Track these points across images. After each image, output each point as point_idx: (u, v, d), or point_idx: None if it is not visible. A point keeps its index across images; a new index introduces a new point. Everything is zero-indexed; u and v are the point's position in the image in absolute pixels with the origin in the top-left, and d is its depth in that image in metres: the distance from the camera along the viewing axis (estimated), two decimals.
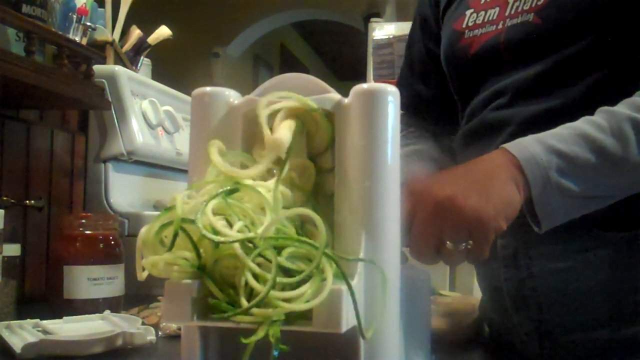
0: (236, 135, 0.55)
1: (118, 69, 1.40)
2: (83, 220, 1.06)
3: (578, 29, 0.75)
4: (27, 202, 1.20)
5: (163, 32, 1.62)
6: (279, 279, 0.45)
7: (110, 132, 1.38)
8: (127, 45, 1.54)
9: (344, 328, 0.46)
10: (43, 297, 1.18)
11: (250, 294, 0.45)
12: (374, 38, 2.36)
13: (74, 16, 1.23)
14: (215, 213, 0.48)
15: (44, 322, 0.88)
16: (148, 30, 1.60)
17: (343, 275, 0.46)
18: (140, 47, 1.57)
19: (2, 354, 0.77)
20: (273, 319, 0.44)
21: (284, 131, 0.51)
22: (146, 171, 1.51)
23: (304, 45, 7.51)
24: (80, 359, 0.76)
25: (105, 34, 1.44)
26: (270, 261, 0.46)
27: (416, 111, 1.00)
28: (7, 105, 1.22)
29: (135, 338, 0.80)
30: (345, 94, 0.54)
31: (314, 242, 0.47)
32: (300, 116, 0.54)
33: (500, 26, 0.81)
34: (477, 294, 1.06)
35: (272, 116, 0.53)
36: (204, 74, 5.10)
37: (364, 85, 0.53)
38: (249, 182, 0.50)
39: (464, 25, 0.86)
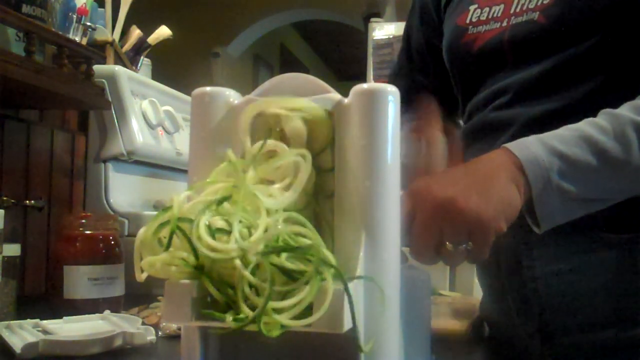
0: (236, 135, 0.55)
1: (118, 69, 1.40)
2: (83, 220, 1.06)
3: (583, 30, 0.74)
4: (27, 202, 1.20)
5: (163, 32, 1.62)
6: (277, 288, 0.45)
7: (110, 132, 1.38)
8: (127, 45, 1.54)
9: (344, 328, 0.46)
10: (43, 297, 1.18)
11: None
12: (374, 38, 2.37)
13: (74, 16, 1.23)
14: (214, 213, 0.48)
15: (44, 322, 0.88)
16: (148, 30, 1.60)
17: (345, 286, 0.46)
18: (140, 47, 1.57)
19: (2, 354, 0.77)
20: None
21: (298, 122, 0.51)
22: (146, 171, 1.51)
23: (304, 45, 7.51)
24: (80, 359, 0.76)
25: (105, 34, 1.44)
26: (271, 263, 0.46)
27: (413, 102, 1.00)
28: (7, 105, 1.22)
29: (135, 338, 0.80)
30: (345, 94, 0.54)
31: (309, 248, 0.47)
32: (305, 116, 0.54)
33: (504, 24, 0.80)
34: (477, 294, 1.06)
35: (273, 117, 0.53)
36: (204, 74, 5.10)
37: (364, 85, 0.53)
38: (250, 185, 0.50)
39: (467, 21, 0.85)
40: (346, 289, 0.45)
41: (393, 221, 0.52)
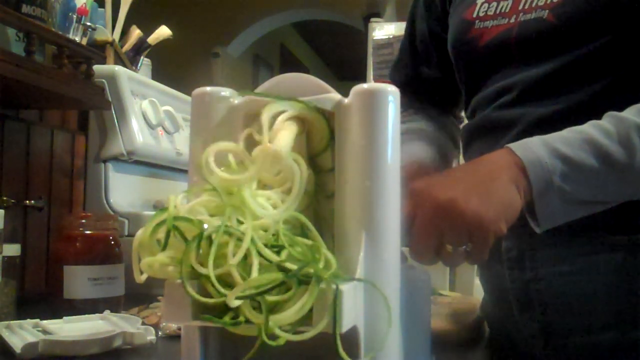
0: (236, 136, 0.55)
1: (118, 69, 1.40)
2: (83, 220, 1.06)
3: (592, 30, 0.73)
4: (27, 202, 1.20)
5: (163, 32, 1.62)
6: (274, 298, 0.45)
7: (110, 132, 1.38)
8: (127, 45, 1.54)
9: (344, 328, 0.46)
10: (43, 297, 1.18)
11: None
12: (374, 38, 2.37)
13: (74, 16, 1.23)
14: (212, 214, 0.48)
15: (44, 322, 0.88)
16: (148, 30, 1.60)
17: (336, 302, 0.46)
18: (140, 47, 1.57)
19: (2, 354, 0.77)
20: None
21: (284, 140, 0.51)
22: (146, 171, 1.50)
23: (304, 45, 7.51)
24: (80, 359, 0.76)
25: (105, 34, 1.44)
26: (270, 262, 0.46)
27: (417, 92, 1.00)
28: (7, 105, 1.22)
29: (135, 338, 0.80)
30: (345, 94, 0.54)
31: (309, 248, 0.47)
32: (300, 116, 0.54)
33: (512, 20, 0.79)
34: (477, 294, 1.06)
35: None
36: (204, 74, 5.10)
37: (364, 85, 0.53)
38: (247, 191, 0.50)
39: (474, 15, 0.84)
40: (337, 296, 0.45)
41: (393, 221, 0.52)
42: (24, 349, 0.75)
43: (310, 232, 0.50)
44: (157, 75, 1.67)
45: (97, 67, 1.27)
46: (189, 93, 0.69)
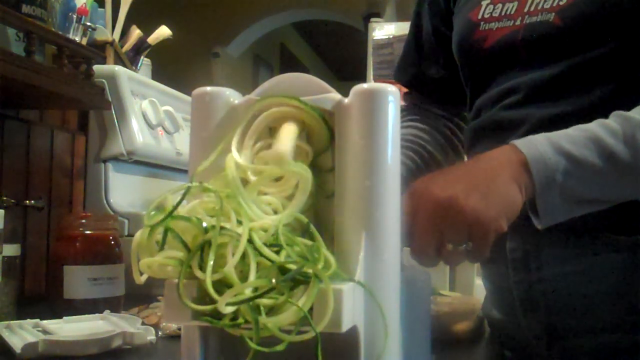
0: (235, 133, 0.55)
1: (118, 69, 1.39)
2: (83, 220, 1.06)
3: (599, 34, 0.73)
4: (27, 202, 1.20)
5: (163, 32, 1.62)
6: (268, 301, 0.45)
7: (110, 132, 1.38)
8: (127, 45, 1.54)
9: (344, 328, 0.46)
10: (43, 297, 1.18)
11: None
12: (374, 38, 2.36)
13: (74, 16, 1.23)
14: (211, 215, 0.48)
15: (44, 322, 0.88)
16: (148, 30, 1.60)
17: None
18: (140, 47, 1.57)
19: (2, 354, 0.77)
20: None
21: (286, 142, 0.51)
22: (146, 171, 1.50)
23: (304, 45, 7.51)
24: (80, 359, 0.76)
25: (105, 34, 1.44)
26: (271, 261, 0.46)
27: (422, 91, 0.99)
28: (7, 105, 1.22)
29: (135, 338, 0.80)
30: (345, 94, 0.54)
31: (309, 248, 0.47)
32: (299, 116, 0.54)
33: (518, 22, 0.79)
34: (477, 294, 1.06)
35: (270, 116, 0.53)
36: (204, 74, 5.10)
37: (364, 85, 0.53)
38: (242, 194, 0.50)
39: (479, 17, 0.84)
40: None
41: (393, 221, 0.52)
42: (24, 349, 0.75)
43: (311, 232, 0.50)
44: (157, 75, 1.67)
45: (97, 67, 1.27)
46: (189, 93, 0.69)
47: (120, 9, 1.51)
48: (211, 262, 0.46)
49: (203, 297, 0.47)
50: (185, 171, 0.58)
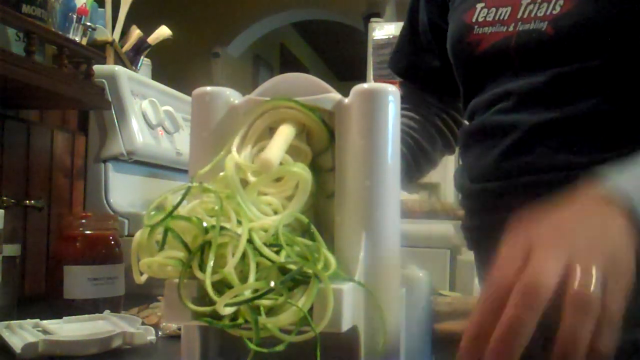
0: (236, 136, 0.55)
1: (118, 69, 1.39)
2: (83, 220, 1.06)
3: (591, 46, 0.73)
4: (27, 202, 1.19)
5: (163, 32, 1.62)
6: (267, 302, 0.45)
7: (110, 132, 1.38)
8: (127, 45, 1.54)
9: (344, 328, 0.46)
10: (43, 297, 1.18)
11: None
12: (374, 38, 2.37)
13: (74, 16, 1.23)
14: (211, 215, 0.48)
15: (44, 322, 0.88)
16: (148, 30, 1.60)
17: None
18: (140, 47, 1.57)
19: (2, 354, 0.77)
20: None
21: (276, 149, 0.51)
22: (146, 171, 1.50)
23: (304, 45, 7.51)
24: (80, 359, 0.76)
25: (105, 34, 1.44)
26: (271, 261, 0.46)
27: (416, 81, 1.00)
28: (7, 105, 1.22)
29: (135, 338, 0.80)
30: (345, 94, 0.54)
31: (309, 248, 0.47)
32: (299, 117, 0.54)
33: (511, 29, 0.79)
34: (477, 294, 1.06)
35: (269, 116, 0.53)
36: (204, 74, 5.10)
37: (364, 85, 0.53)
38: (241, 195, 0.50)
39: (473, 20, 0.84)
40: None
41: (393, 221, 0.52)
42: (24, 349, 0.75)
43: (311, 232, 0.50)
44: (157, 75, 1.67)
45: (97, 67, 1.27)
46: (189, 93, 0.69)
47: (120, 9, 1.51)
48: (211, 263, 0.46)
49: (203, 297, 0.47)
50: (185, 171, 0.58)
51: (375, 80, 2.31)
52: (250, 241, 0.46)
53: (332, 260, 0.48)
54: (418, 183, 2.07)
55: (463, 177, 0.87)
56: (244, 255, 0.46)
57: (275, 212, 0.51)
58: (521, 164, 0.77)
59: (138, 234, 0.48)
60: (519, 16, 0.79)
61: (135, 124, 1.38)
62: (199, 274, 0.46)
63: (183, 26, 3.64)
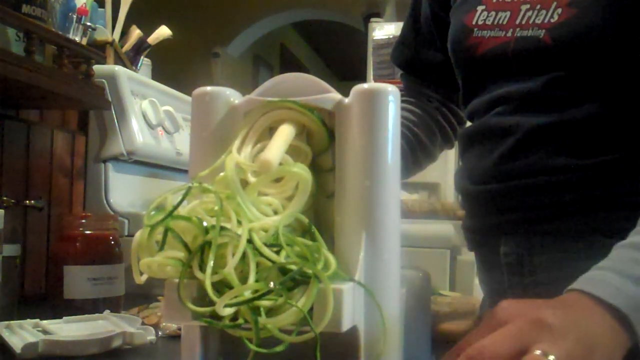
0: (236, 136, 0.55)
1: (118, 69, 1.39)
2: (83, 220, 1.06)
3: (588, 55, 0.74)
4: (27, 202, 1.19)
5: (163, 32, 1.62)
6: (267, 303, 0.45)
7: (110, 132, 1.38)
8: (127, 45, 1.54)
9: (344, 328, 0.46)
10: (43, 297, 1.18)
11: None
12: (374, 38, 2.36)
13: (74, 16, 1.23)
14: (211, 215, 0.48)
15: (44, 322, 0.88)
16: (148, 30, 1.60)
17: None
18: (140, 47, 1.57)
19: (2, 354, 0.77)
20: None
21: (276, 149, 0.51)
22: (146, 171, 1.50)
23: (304, 45, 7.51)
24: (80, 359, 0.76)
25: (105, 34, 1.44)
26: (272, 261, 0.46)
27: (417, 73, 1.00)
28: (7, 105, 1.22)
29: (135, 338, 0.80)
30: (345, 94, 0.54)
31: (309, 248, 0.47)
32: (299, 117, 0.54)
33: (509, 34, 0.80)
34: (477, 294, 1.06)
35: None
36: (204, 74, 5.10)
37: (365, 85, 0.53)
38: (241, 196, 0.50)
39: (474, 22, 0.84)
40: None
41: (393, 221, 0.52)
42: (24, 349, 0.75)
43: (312, 232, 0.50)
44: (157, 75, 1.67)
45: (97, 67, 1.27)
46: (189, 93, 0.69)
47: (120, 9, 1.51)
48: (211, 263, 0.46)
49: (203, 297, 0.47)
50: (185, 171, 0.58)
51: (375, 80, 2.31)
52: (250, 241, 0.46)
53: (332, 260, 0.48)
54: (418, 183, 2.07)
55: (463, 179, 0.88)
56: (244, 256, 0.46)
57: (276, 213, 0.51)
58: (520, 166, 0.77)
59: (138, 234, 0.48)
60: (517, 22, 0.80)
61: (135, 124, 1.38)
62: (199, 274, 0.46)
63: (183, 26, 3.64)
